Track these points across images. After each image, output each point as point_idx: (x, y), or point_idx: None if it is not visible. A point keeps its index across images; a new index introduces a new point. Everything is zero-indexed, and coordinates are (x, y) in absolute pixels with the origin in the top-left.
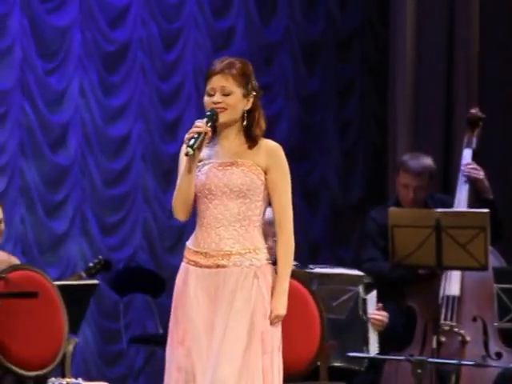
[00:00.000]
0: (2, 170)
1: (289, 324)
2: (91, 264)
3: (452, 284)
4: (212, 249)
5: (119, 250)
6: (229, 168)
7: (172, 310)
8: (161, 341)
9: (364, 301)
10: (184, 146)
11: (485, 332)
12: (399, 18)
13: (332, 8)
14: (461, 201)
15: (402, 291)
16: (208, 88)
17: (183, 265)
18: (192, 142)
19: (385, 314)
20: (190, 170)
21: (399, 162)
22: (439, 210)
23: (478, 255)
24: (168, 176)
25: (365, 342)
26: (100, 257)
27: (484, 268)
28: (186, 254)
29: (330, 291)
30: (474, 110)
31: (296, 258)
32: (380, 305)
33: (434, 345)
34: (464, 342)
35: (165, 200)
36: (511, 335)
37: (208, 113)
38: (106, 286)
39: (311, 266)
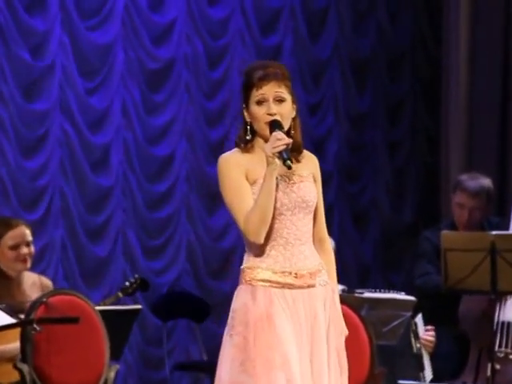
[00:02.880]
0: (42, 192)
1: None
2: (127, 283)
3: (507, 309)
4: (300, 268)
5: (163, 273)
6: (297, 182)
7: (251, 336)
8: (205, 367)
9: (415, 324)
10: (276, 160)
11: None
12: (453, 34)
13: (383, 23)
14: None
15: (455, 316)
16: (258, 97)
17: (261, 288)
18: (285, 154)
19: (432, 333)
20: (275, 187)
21: (456, 182)
22: (494, 232)
23: None
24: (213, 197)
25: (420, 367)
26: (136, 275)
27: None
28: (263, 275)
29: (380, 317)
30: None
31: (345, 282)
32: (429, 327)
33: (489, 372)
34: None
35: (210, 222)
36: None
37: (275, 123)
38: (148, 310)
39: (359, 291)
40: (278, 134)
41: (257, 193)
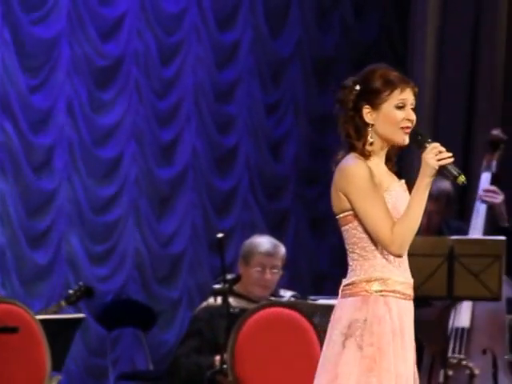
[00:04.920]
0: None
1: (288, 358)
2: (71, 291)
3: (462, 315)
4: (409, 279)
5: (108, 280)
6: (405, 191)
7: (388, 348)
8: (151, 377)
9: None
10: (429, 170)
11: (494, 365)
12: (419, 30)
13: (347, 19)
14: (476, 228)
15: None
16: (400, 100)
17: (393, 299)
18: (455, 169)
19: None
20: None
21: None
22: (453, 237)
23: (492, 285)
24: (163, 202)
25: None
26: (80, 283)
27: (497, 298)
28: (393, 286)
29: None
30: (495, 132)
31: (299, 288)
32: None
33: (441, 379)
34: (472, 376)
35: (158, 227)
36: None
37: (421, 133)
38: (92, 319)
39: (312, 298)
40: (438, 145)
41: (389, 202)
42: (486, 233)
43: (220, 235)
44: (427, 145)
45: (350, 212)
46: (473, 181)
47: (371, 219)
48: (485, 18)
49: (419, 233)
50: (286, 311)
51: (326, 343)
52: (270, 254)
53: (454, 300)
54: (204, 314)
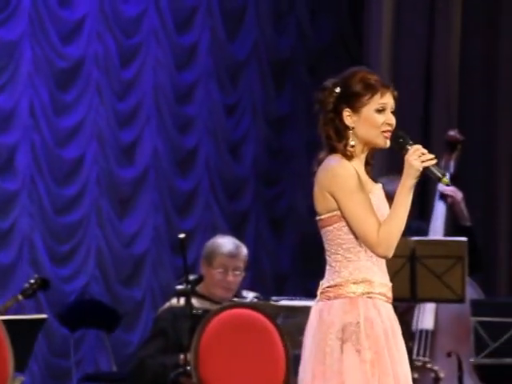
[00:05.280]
0: None
1: (252, 360)
2: (27, 284)
3: (426, 317)
4: (389, 281)
5: (71, 280)
6: (384, 195)
7: (384, 351)
8: (114, 379)
9: None
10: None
11: (460, 368)
12: (374, 32)
13: (303, 22)
14: (437, 228)
15: None
16: (380, 103)
17: (379, 301)
18: (438, 170)
19: None
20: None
21: None
22: (415, 238)
23: (455, 286)
24: (124, 202)
25: None
26: (36, 275)
27: (461, 300)
28: (380, 289)
29: (296, 325)
30: (452, 132)
31: (261, 289)
32: None
33: None
34: (437, 379)
35: (121, 227)
36: (488, 371)
37: (403, 135)
38: (55, 319)
39: (275, 298)
40: (420, 147)
41: (374, 203)
42: (446, 233)
43: (182, 236)
44: (409, 147)
45: (336, 212)
46: (432, 181)
47: (358, 219)
48: (439, 19)
49: None
50: (249, 312)
51: (320, 349)
52: (233, 256)
53: (417, 302)
54: (167, 315)
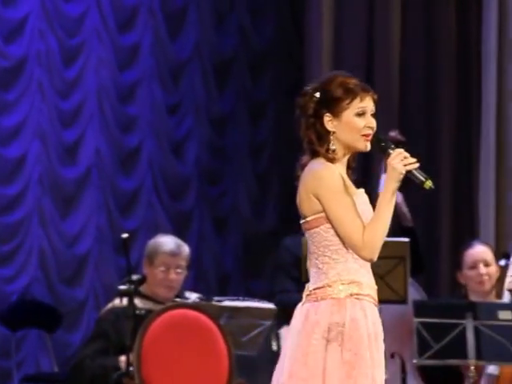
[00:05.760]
0: None
1: (195, 360)
2: None
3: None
4: (375, 284)
5: (12, 281)
6: (367, 199)
7: (366, 353)
8: (56, 379)
9: (278, 336)
10: (393, 176)
11: (403, 369)
12: (315, 33)
13: (244, 22)
14: None
15: None
16: (360, 107)
17: (367, 303)
18: (421, 174)
19: None
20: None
21: None
22: None
23: (397, 287)
24: (67, 201)
25: None
26: None
27: (403, 301)
28: (368, 291)
29: (239, 326)
30: (393, 133)
31: (204, 290)
32: None
33: None
34: None
35: (63, 227)
36: (432, 372)
37: (384, 139)
38: None
39: (218, 299)
40: (403, 150)
41: (358, 207)
42: (388, 234)
43: (125, 235)
44: (391, 151)
45: (322, 214)
46: (372, 182)
47: (343, 222)
48: (379, 18)
49: None
50: (192, 313)
51: (303, 349)
52: (174, 254)
53: None
54: (109, 316)
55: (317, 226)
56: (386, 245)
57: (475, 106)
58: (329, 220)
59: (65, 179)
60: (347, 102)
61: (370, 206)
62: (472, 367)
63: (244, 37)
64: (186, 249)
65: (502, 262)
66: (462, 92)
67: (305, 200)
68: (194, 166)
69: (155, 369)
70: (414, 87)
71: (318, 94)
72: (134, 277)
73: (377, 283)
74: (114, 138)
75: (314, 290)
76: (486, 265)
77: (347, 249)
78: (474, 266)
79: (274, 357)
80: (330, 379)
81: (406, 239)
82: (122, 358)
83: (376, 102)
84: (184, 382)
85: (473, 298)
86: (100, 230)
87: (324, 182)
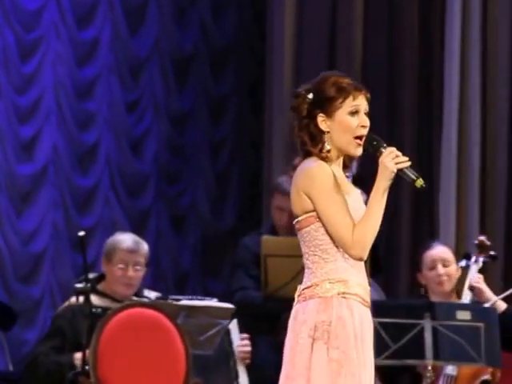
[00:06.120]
0: None
1: (152, 359)
2: None
3: None
4: (367, 285)
5: None
6: (362, 199)
7: (352, 351)
8: (11, 378)
9: (229, 332)
10: (388, 174)
11: None
12: (276, 27)
13: (205, 18)
14: None
15: (275, 325)
16: (353, 107)
17: (355, 302)
18: (413, 173)
19: (247, 342)
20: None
21: (274, 184)
22: None
23: None
24: (23, 198)
25: (235, 377)
26: None
27: None
28: (356, 290)
29: (197, 325)
30: None
31: (162, 289)
32: (245, 335)
33: None
34: None
35: (19, 224)
36: (390, 373)
37: (377, 138)
38: None
39: (175, 298)
40: (395, 149)
41: (350, 205)
42: None
43: (81, 233)
44: (383, 149)
45: (313, 213)
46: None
47: (333, 220)
48: (341, 14)
49: (279, 233)
50: (149, 311)
51: (291, 348)
52: (133, 251)
53: None
54: (66, 313)
55: (307, 226)
56: None
57: (437, 109)
58: (319, 218)
59: (21, 176)
60: (340, 101)
61: (363, 206)
62: (430, 367)
63: (205, 33)
64: (144, 246)
65: (463, 263)
66: (423, 95)
67: (296, 199)
68: (153, 164)
69: (111, 368)
70: (375, 87)
71: (310, 95)
72: (91, 275)
73: None
74: (71, 135)
75: (303, 289)
76: (445, 265)
77: (337, 248)
78: (433, 267)
79: (229, 356)
80: (316, 378)
81: None
82: (77, 356)
83: (369, 101)
84: (140, 380)
85: (433, 298)
86: (56, 228)
87: (315, 179)
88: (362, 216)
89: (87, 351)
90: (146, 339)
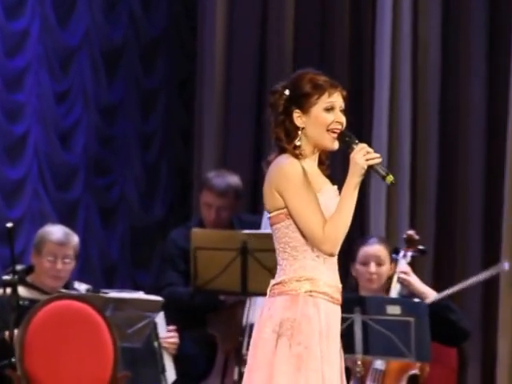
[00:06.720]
0: None
1: (80, 352)
2: None
3: (256, 311)
4: (337, 282)
5: None
6: (337, 196)
7: (316, 348)
8: None
9: (155, 324)
10: (359, 171)
11: None
12: (207, 20)
13: (135, 10)
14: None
15: (202, 319)
16: (329, 103)
17: (322, 300)
18: (383, 169)
19: (174, 334)
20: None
21: (203, 180)
22: (246, 231)
23: None
24: None
25: (162, 370)
26: None
27: None
28: (324, 288)
29: (125, 318)
30: None
31: (90, 281)
32: (171, 327)
33: (236, 376)
34: None
35: None
36: None
37: (350, 134)
38: None
39: (104, 291)
40: (366, 145)
41: (322, 203)
42: None
43: (9, 225)
44: (355, 146)
45: (283, 210)
46: (265, 175)
47: (304, 217)
48: (272, 11)
49: (207, 227)
50: (77, 304)
51: (254, 343)
52: (62, 243)
53: (247, 296)
54: None
55: (278, 222)
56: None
57: (367, 103)
58: (290, 215)
59: None
60: (316, 97)
61: (336, 203)
62: (359, 362)
63: (135, 25)
64: (74, 238)
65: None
66: (353, 93)
67: (268, 195)
68: (82, 156)
69: (39, 360)
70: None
71: (287, 92)
72: (19, 267)
73: (265, 276)
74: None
75: (273, 285)
76: (379, 264)
77: (307, 246)
78: (366, 263)
79: (155, 349)
80: (278, 373)
81: None
82: (6, 333)
83: (345, 98)
84: (68, 373)
85: (362, 293)
86: None
87: (286, 177)
88: (334, 212)
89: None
90: (74, 332)
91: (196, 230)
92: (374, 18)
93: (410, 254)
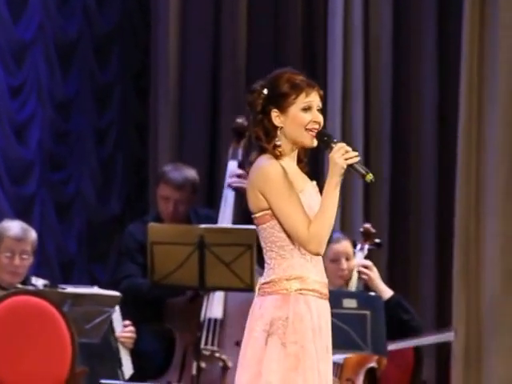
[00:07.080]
0: None
1: (37, 348)
2: None
3: (214, 306)
4: (324, 278)
5: None
6: (317, 192)
7: (310, 345)
8: None
9: (111, 319)
10: (339, 170)
11: None
12: (161, 14)
13: (89, 3)
14: (225, 216)
15: (160, 312)
16: (306, 103)
17: (312, 298)
18: (362, 168)
19: (131, 328)
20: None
21: (159, 173)
22: (203, 226)
23: (243, 275)
24: None
25: (118, 364)
26: None
27: (249, 289)
28: (313, 285)
29: (83, 313)
30: (239, 120)
31: (47, 276)
32: (127, 322)
33: (194, 371)
34: (226, 368)
35: None
36: None
37: (328, 134)
38: None
39: (63, 286)
40: (345, 145)
41: (304, 202)
42: (235, 221)
43: None
44: (333, 145)
45: (268, 211)
46: (221, 169)
47: (288, 218)
48: (226, 5)
49: (165, 222)
50: (34, 299)
51: (245, 341)
52: (20, 239)
53: (205, 290)
54: None
55: (263, 223)
56: (233, 232)
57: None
58: (275, 216)
59: None
60: (293, 97)
61: (319, 200)
62: None
63: (88, 19)
64: (32, 234)
65: None
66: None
67: (251, 197)
68: (37, 150)
69: None
70: (262, 67)
71: (265, 91)
72: None
73: (223, 271)
74: None
75: (263, 284)
76: (347, 259)
77: (294, 245)
78: (337, 260)
79: (112, 344)
80: (267, 371)
81: (253, 227)
82: None
83: (322, 98)
84: (26, 369)
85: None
86: None
87: (268, 178)
88: (317, 211)
89: None
90: (32, 327)
91: (153, 225)
92: (325, 13)
93: (366, 247)
